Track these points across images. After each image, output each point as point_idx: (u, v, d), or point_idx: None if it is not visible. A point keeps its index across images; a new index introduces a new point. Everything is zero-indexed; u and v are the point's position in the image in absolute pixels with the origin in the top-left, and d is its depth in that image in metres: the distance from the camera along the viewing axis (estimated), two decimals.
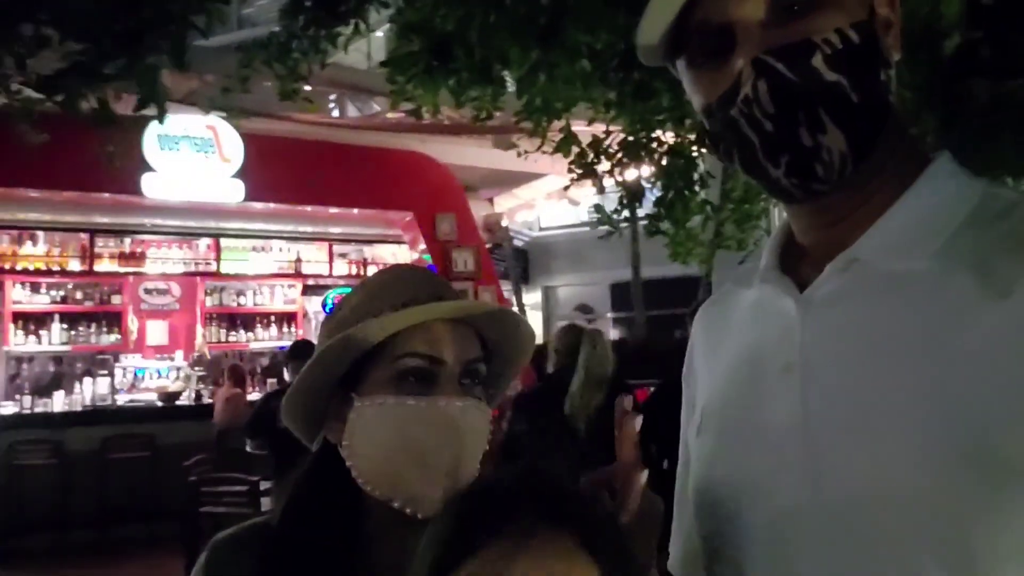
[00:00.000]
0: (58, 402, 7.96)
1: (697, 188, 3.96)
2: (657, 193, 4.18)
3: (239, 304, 9.61)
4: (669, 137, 4.04)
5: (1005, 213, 0.73)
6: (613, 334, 14.93)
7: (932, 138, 3.41)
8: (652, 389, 4.53)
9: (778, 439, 0.77)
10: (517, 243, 13.93)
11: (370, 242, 10.02)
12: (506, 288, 10.84)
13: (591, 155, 4.04)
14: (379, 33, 8.41)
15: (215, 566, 0.96)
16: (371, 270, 9.94)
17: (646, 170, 4.36)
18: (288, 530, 0.94)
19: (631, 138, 3.90)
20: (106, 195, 7.67)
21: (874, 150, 0.75)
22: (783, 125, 0.73)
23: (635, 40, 0.83)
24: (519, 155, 4.19)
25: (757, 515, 0.78)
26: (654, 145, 3.92)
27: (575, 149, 3.84)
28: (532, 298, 15.17)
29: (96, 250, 8.60)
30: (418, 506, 0.89)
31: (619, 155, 4.01)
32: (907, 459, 0.67)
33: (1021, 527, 0.63)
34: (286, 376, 6.20)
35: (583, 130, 4.10)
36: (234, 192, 7.81)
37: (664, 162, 3.90)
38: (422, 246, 9.01)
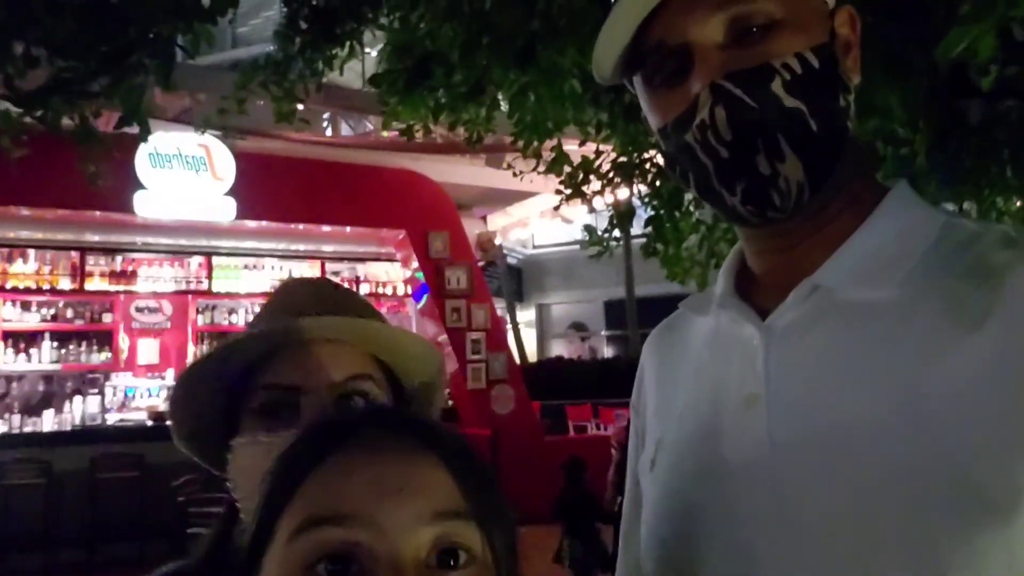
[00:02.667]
0: (47, 421, 7.90)
1: (691, 208, 3.95)
2: (649, 213, 4.18)
3: (231, 323, 9.56)
4: (660, 157, 4.04)
5: (968, 244, 0.71)
6: (607, 352, 14.92)
7: (923, 158, 3.43)
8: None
9: (743, 472, 0.74)
10: (510, 261, 13.96)
11: (363, 260, 10.02)
12: (499, 306, 10.83)
13: (580, 175, 4.04)
14: (373, 53, 8.46)
15: None
16: (364, 288, 9.93)
17: (639, 188, 4.36)
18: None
19: (622, 158, 3.90)
20: (97, 213, 7.66)
21: (831, 177, 0.73)
22: (739, 152, 0.71)
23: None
24: (514, 175, 4.19)
25: (721, 552, 0.75)
26: (646, 166, 3.92)
27: (566, 168, 3.84)
28: (526, 316, 15.17)
29: (87, 268, 8.57)
30: None
31: (610, 175, 4.01)
32: (882, 494, 0.65)
33: (998, 562, 0.62)
34: None
35: (574, 150, 4.11)
36: (226, 210, 7.80)
37: (656, 183, 3.90)
38: (415, 264, 9.01)
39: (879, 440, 0.66)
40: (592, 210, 4.30)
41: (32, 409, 8.20)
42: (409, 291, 9.77)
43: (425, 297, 9.06)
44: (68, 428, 7.85)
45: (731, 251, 0.89)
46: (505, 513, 0.61)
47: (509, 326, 12.60)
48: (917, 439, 0.65)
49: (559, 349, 15.27)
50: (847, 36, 0.77)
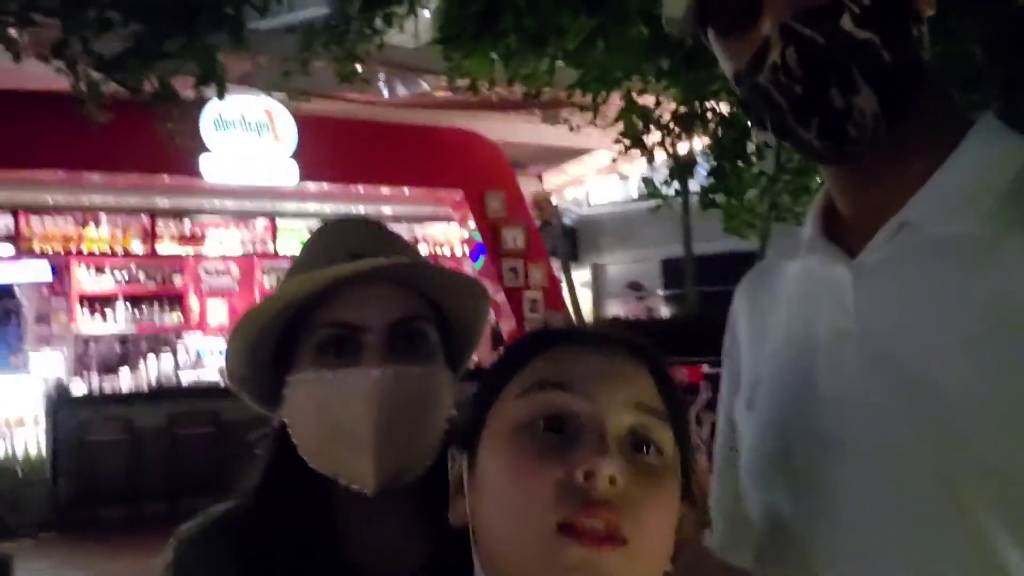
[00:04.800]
0: (125, 381, 8.24)
1: (753, 159, 3.90)
2: (710, 164, 4.14)
3: None
4: (723, 107, 3.99)
5: None
6: (665, 312, 14.81)
7: (998, 99, 3.31)
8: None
9: (835, 403, 0.76)
10: (566, 221, 13.87)
11: (421, 220, 10.11)
12: (554, 266, 10.82)
13: (640, 125, 3.99)
14: (426, 13, 8.43)
15: (184, 566, 0.90)
16: (422, 248, 10.03)
17: (699, 142, 4.31)
18: (259, 516, 0.90)
19: (684, 109, 3.86)
20: (166, 177, 7.86)
21: (908, 110, 0.73)
22: (812, 88, 0.72)
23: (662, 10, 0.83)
24: (571, 129, 4.17)
25: (820, 489, 0.77)
26: (708, 115, 3.86)
27: (633, 118, 3.80)
28: (581, 276, 15.11)
29: (157, 232, 8.83)
30: (358, 482, 0.85)
31: (671, 126, 3.97)
32: (979, 431, 0.66)
33: None
34: None
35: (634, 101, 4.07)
36: (289, 173, 7.92)
37: (719, 133, 3.85)
38: (472, 224, 9.05)
39: (976, 378, 0.67)
40: (651, 161, 4.26)
41: (110, 369, 8.56)
42: (466, 251, 9.83)
43: (482, 257, 9.12)
44: (145, 387, 8.18)
45: (817, 195, 0.90)
46: (689, 431, 0.70)
47: (564, 286, 12.60)
48: (1005, 365, 0.66)
49: (615, 310, 15.19)
50: None
